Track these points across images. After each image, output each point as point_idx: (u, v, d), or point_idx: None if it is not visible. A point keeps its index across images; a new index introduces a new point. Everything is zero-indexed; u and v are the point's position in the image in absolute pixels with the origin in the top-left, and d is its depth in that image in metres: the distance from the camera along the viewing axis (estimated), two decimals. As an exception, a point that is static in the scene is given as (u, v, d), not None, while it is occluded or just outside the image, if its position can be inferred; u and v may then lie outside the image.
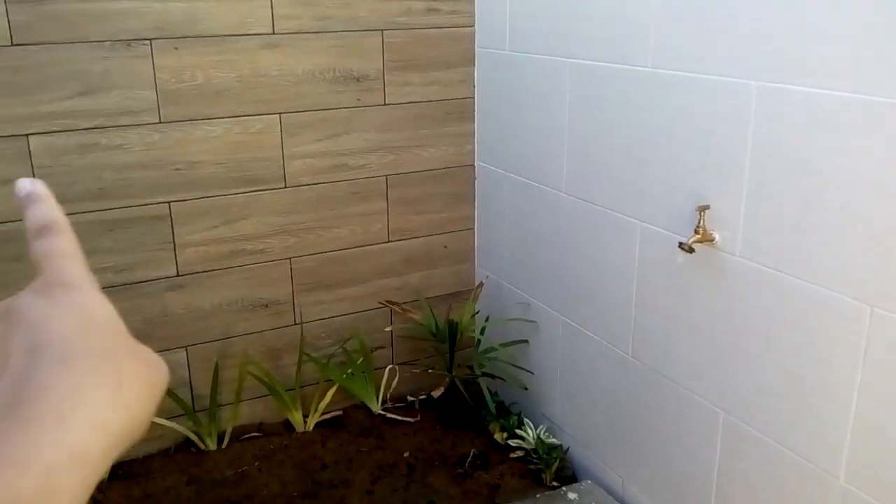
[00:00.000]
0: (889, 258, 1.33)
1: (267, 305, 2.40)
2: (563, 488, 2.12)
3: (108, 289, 2.16)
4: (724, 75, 1.59)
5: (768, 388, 1.60)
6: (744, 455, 1.69)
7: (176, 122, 2.15)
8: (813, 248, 1.46)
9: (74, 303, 0.38)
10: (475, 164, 2.57)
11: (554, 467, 2.22)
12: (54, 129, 2.03)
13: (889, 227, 1.32)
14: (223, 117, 2.20)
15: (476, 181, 2.59)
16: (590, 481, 2.15)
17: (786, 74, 1.46)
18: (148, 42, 2.07)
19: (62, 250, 0.41)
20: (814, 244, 1.46)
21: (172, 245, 2.23)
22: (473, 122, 2.53)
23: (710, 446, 1.78)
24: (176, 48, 2.10)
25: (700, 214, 1.66)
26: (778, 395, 1.59)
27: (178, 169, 2.18)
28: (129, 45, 2.05)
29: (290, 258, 2.39)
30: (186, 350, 2.33)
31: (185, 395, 2.34)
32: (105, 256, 2.15)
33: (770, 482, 1.64)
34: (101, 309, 0.38)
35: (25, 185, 0.43)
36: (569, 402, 2.29)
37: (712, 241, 1.66)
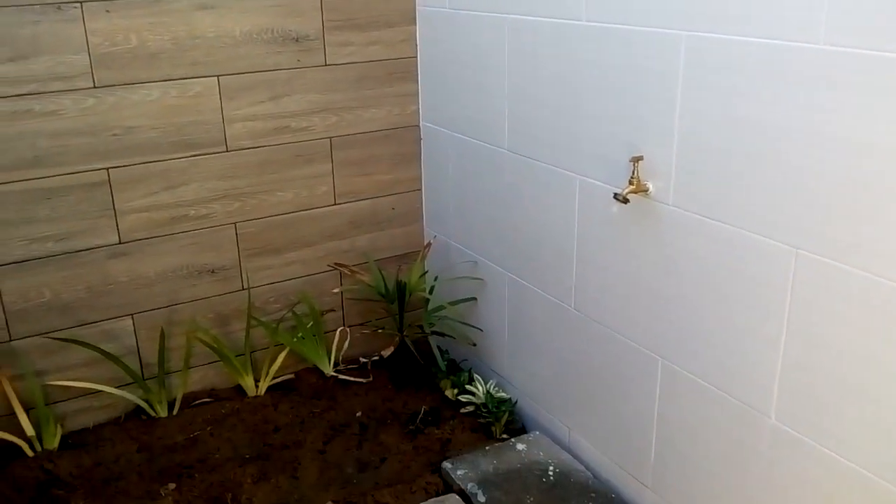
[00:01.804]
0: (811, 201, 1.37)
1: (213, 271, 2.39)
2: (512, 440, 2.16)
3: (49, 258, 2.14)
4: (655, 26, 1.61)
5: (702, 332, 1.65)
6: (681, 399, 1.74)
7: (111, 86, 2.11)
8: (740, 195, 1.49)
9: None
10: (420, 124, 2.57)
11: (503, 420, 2.25)
12: (-16, 95, 1.98)
13: (811, 171, 1.36)
14: (159, 81, 2.16)
15: (421, 141, 2.59)
16: (537, 432, 2.19)
17: (713, 23, 1.48)
18: (78, 4, 2.02)
19: None
20: (741, 191, 1.49)
21: (113, 212, 2.20)
22: (417, 81, 2.52)
23: (650, 392, 1.83)
24: (108, 10, 2.05)
25: (634, 165, 1.68)
26: (712, 339, 1.63)
27: (115, 134, 2.15)
28: (59, 7, 2.00)
29: (234, 223, 2.38)
30: (132, 318, 2.32)
31: (133, 363, 2.33)
32: (44, 225, 2.12)
33: (706, 423, 1.69)
34: None
35: None
36: (516, 356, 2.33)
37: (646, 191, 1.69)
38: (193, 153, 2.26)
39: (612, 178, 1.80)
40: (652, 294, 1.76)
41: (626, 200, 1.67)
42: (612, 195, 1.72)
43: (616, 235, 1.83)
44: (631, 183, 1.68)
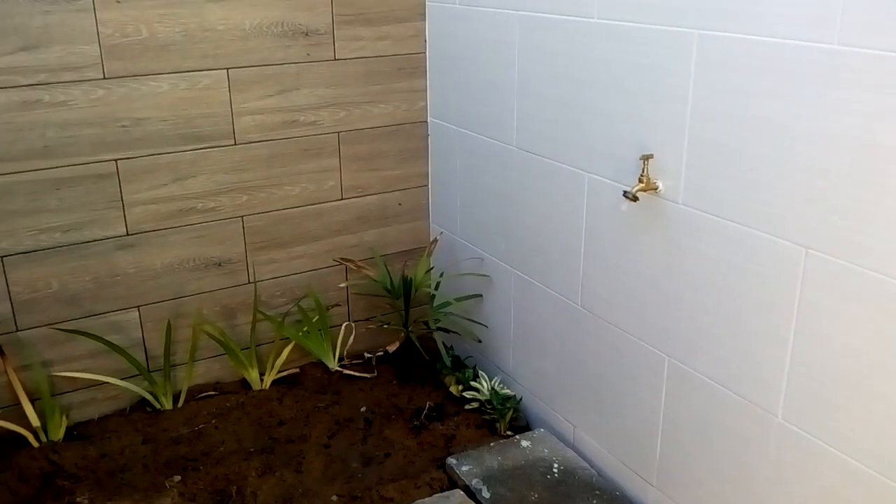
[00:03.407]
0: (822, 201, 1.37)
1: (220, 264, 2.39)
2: (517, 437, 2.16)
3: (56, 249, 2.15)
4: (667, 24, 1.60)
5: (710, 331, 1.65)
6: (688, 398, 1.74)
7: (120, 77, 2.11)
8: (751, 194, 1.49)
9: None
10: (428, 119, 2.57)
11: (508, 417, 2.26)
12: (-6, 85, 1.99)
13: (821, 170, 1.36)
14: (169, 73, 2.16)
15: (429, 137, 2.59)
16: (542, 430, 2.20)
17: (725, 21, 1.48)
18: (89, -5, 2.02)
19: None
20: (752, 190, 1.49)
21: (121, 204, 2.21)
22: (425, 77, 2.52)
23: (656, 391, 1.83)
24: (118, 1, 2.06)
25: (644, 163, 1.68)
26: (719, 338, 1.63)
27: (123, 126, 2.15)
28: (69, -2, 2.01)
29: (241, 216, 2.38)
30: (139, 310, 2.32)
31: (139, 355, 2.34)
32: (52, 216, 2.12)
33: (712, 422, 1.69)
34: None
35: None
36: (522, 353, 2.33)
37: (656, 189, 1.69)
38: (202, 146, 2.26)
39: (621, 176, 1.80)
40: (660, 292, 1.76)
41: (635, 198, 1.67)
42: (622, 193, 1.72)
43: (624, 233, 1.83)
44: (640, 181, 1.68)
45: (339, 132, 2.45)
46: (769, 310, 1.51)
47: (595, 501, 1.91)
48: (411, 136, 2.57)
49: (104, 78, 2.09)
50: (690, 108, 1.58)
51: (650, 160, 1.68)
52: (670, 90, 1.62)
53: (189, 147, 2.25)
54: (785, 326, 1.48)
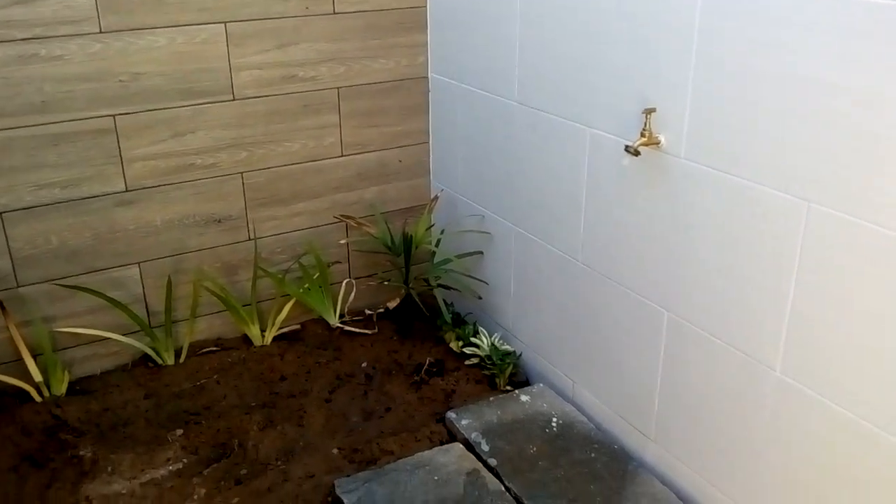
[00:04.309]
0: (824, 155, 1.36)
1: (220, 221, 2.39)
2: (516, 392, 2.18)
3: (55, 205, 2.14)
4: (671, -26, 1.58)
5: (710, 286, 1.65)
6: (686, 353, 1.75)
7: (117, 31, 2.08)
8: (753, 148, 1.48)
9: None
10: (429, 75, 2.55)
11: (507, 372, 2.27)
12: (-11, 39, 1.96)
13: (824, 123, 1.34)
14: (166, 26, 2.13)
15: (430, 93, 2.57)
16: (542, 385, 2.21)
17: (730, -29, 1.45)
18: (83, -54, 1.99)
19: None
20: (754, 144, 1.48)
21: (119, 159, 2.19)
22: (426, 32, 2.49)
23: (655, 346, 1.83)
24: (113, -47, 2.02)
25: (646, 117, 1.66)
26: (719, 293, 1.63)
27: (121, 81, 2.13)
28: (63, -51, 1.97)
29: (241, 173, 2.37)
30: (139, 266, 2.32)
31: (140, 311, 2.34)
32: (51, 172, 2.11)
33: (711, 377, 1.70)
34: None
35: None
36: (522, 309, 2.33)
37: (658, 143, 1.68)
38: (200, 101, 2.24)
39: (623, 131, 1.79)
40: (660, 247, 1.76)
41: (637, 153, 1.66)
42: (624, 147, 1.71)
43: (626, 188, 1.82)
44: (643, 135, 1.66)
45: (338, 88, 2.43)
46: (770, 264, 1.50)
47: (593, 455, 1.93)
48: (412, 92, 2.55)
49: (100, 32, 2.07)
50: (695, 61, 1.56)
51: (653, 114, 1.67)
52: (674, 42, 1.60)
53: (187, 102, 2.23)
54: (786, 281, 1.48)
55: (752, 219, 1.52)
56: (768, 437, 1.59)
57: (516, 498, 1.80)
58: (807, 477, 1.53)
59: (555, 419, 2.06)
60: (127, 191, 2.23)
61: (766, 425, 1.59)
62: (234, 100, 2.28)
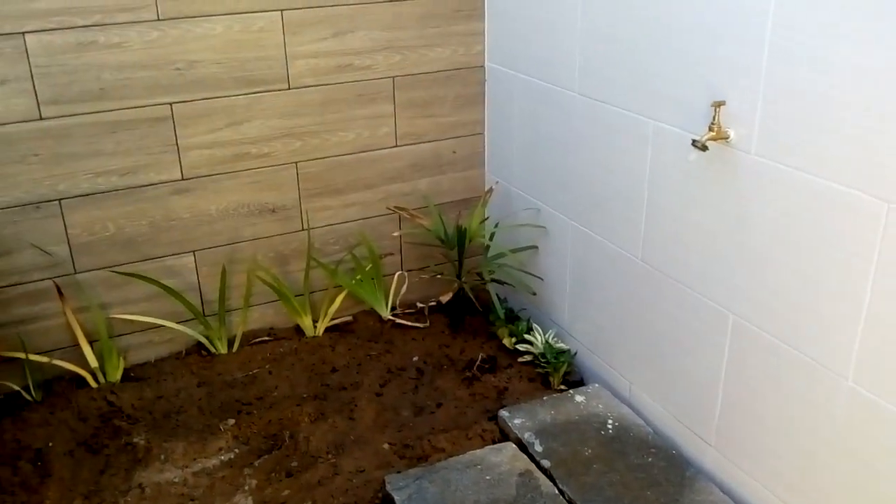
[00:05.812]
0: (910, 152, 1.27)
1: (274, 210, 2.38)
2: (571, 391, 2.12)
3: (113, 192, 2.16)
4: (745, -40, 1.50)
5: (779, 288, 1.57)
6: (752, 357, 1.68)
7: (174, 19, 2.08)
8: (830, 145, 1.40)
9: None
10: (485, 64, 2.49)
11: (562, 371, 2.22)
12: (51, 26, 1.97)
13: (912, 118, 1.26)
14: (223, 14, 2.12)
15: (486, 83, 2.52)
16: (597, 385, 2.15)
17: (810, -43, 1.37)
18: (143, -66, 1.99)
19: None
20: (831, 140, 1.40)
21: (176, 148, 2.20)
22: (483, 20, 2.44)
23: (719, 349, 1.76)
24: (172, -60, 2.02)
25: (715, 110, 1.59)
26: (788, 296, 1.55)
27: (178, 69, 2.12)
28: (123, -63, 1.97)
29: (295, 162, 2.35)
30: (194, 255, 2.32)
31: (194, 299, 2.35)
32: (109, 159, 2.12)
33: (778, 384, 1.62)
34: None
35: None
36: (577, 307, 2.27)
37: (727, 138, 1.60)
38: (256, 90, 2.23)
39: (689, 124, 1.72)
40: (727, 246, 1.68)
41: (704, 147, 1.59)
42: (690, 142, 1.64)
43: (691, 185, 1.75)
44: (711, 129, 1.59)
45: (393, 77, 2.39)
46: (844, 268, 1.42)
47: (650, 459, 1.87)
48: (468, 82, 2.50)
49: (158, 19, 2.06)
50: (768, 51, 1.48)
51: (722, 107, 1.59)
52: (746, 32, 1.52)
53: (243, 91, 2.21)
54: (861, 285, 1.40)
55: (827, 219, 1.44)
56: (838, 450, 1.51)
57: (570, 501, 1.75)
58: (877, 492, 1.45)
59: (610, 421, 2.00)
60: (183, 179, 2.23)
61: (836, 437, 1.51)
62: (289, 89, 2.26)
